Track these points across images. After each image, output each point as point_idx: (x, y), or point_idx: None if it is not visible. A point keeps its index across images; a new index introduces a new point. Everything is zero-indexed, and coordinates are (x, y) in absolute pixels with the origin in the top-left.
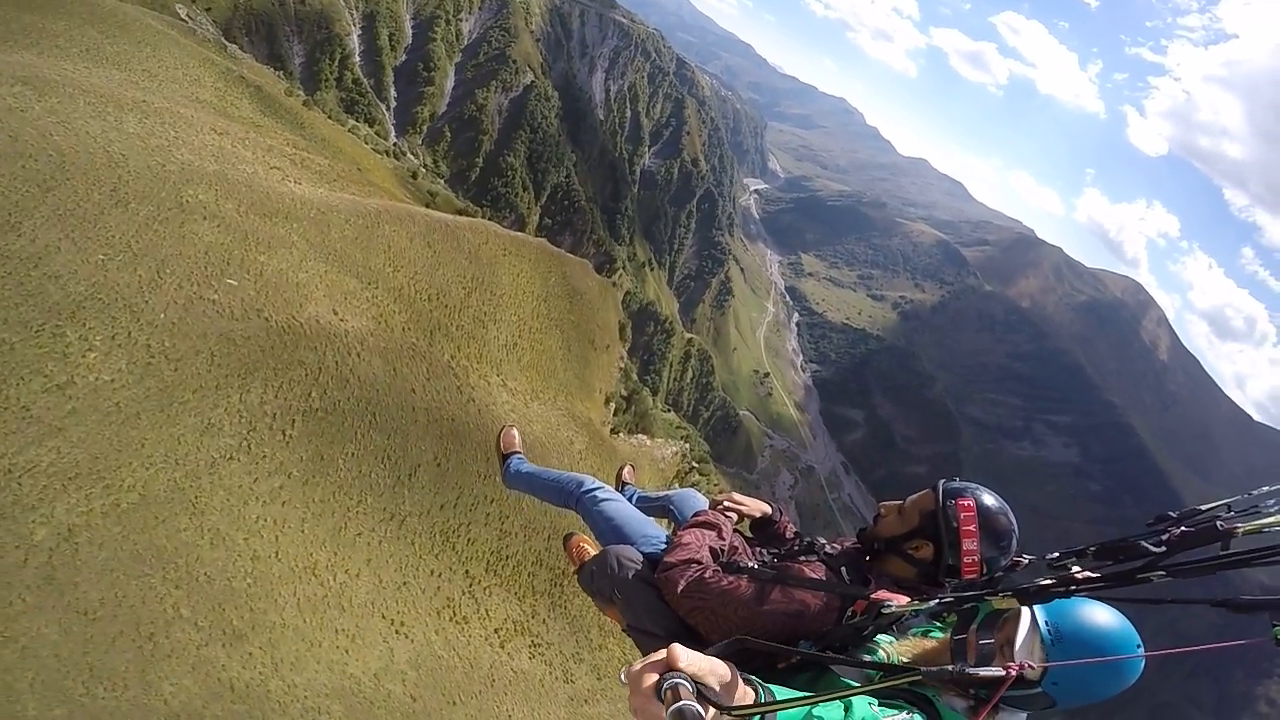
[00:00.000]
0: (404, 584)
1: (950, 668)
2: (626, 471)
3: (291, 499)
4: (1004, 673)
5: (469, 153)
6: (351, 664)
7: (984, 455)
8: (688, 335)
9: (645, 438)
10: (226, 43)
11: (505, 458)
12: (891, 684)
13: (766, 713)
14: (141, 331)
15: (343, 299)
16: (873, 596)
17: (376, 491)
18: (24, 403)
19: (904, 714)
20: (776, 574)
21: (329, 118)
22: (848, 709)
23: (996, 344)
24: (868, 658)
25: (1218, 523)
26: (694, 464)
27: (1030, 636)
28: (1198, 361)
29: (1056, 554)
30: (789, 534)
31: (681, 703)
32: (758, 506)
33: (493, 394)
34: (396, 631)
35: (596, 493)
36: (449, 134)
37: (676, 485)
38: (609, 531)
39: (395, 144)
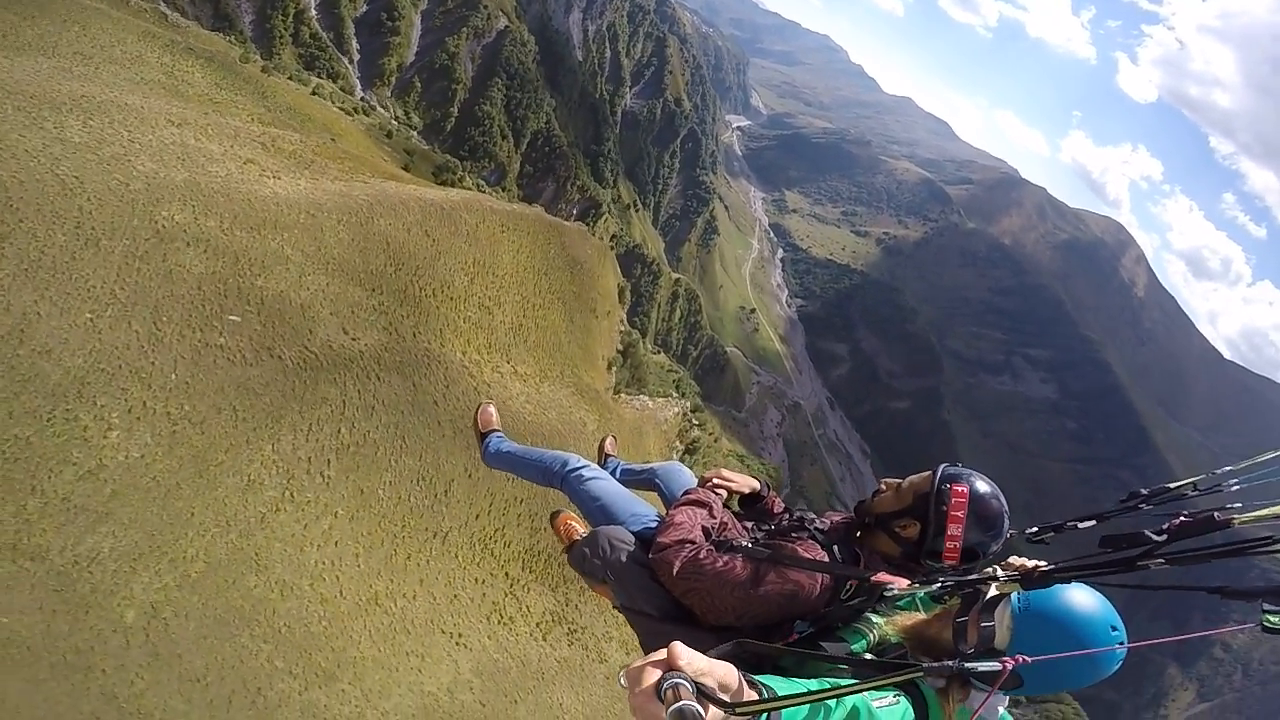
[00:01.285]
0: (455, 597)
1: (951, 663)
2: (609, 443)
3: (342, 537)
4: (1000, 666)
5: (442, 102)
6: (426, 682)
7: (965, 389)
8: (675, 275)
9: (647, 399)
10: (165, 10)
11: (483, 436)
12: (892, 680)
13: (768, 710)
14: (156, 399)
15: (350, 314)
16: (874, 579)
17: (417, 513)
18: (63, 494)
19: (891, 696)
20: (771, 554)
21: (290, 79)
22: (841, 699)
23: (979, 279)
24: (856, 639)
25: (1215, 513)
26: (694, 421)
27: (1003, 612)
28: (1173, 299)
29: (1035, 529)
30: (777, 510)
31: (681, 703)
32: (746, 483)
33: (507, 386)
34: (457, 644)
35: (582, 471)
36: (419, 85)
37: (680, 441)
38: (597, 511)
39: (363, 98)
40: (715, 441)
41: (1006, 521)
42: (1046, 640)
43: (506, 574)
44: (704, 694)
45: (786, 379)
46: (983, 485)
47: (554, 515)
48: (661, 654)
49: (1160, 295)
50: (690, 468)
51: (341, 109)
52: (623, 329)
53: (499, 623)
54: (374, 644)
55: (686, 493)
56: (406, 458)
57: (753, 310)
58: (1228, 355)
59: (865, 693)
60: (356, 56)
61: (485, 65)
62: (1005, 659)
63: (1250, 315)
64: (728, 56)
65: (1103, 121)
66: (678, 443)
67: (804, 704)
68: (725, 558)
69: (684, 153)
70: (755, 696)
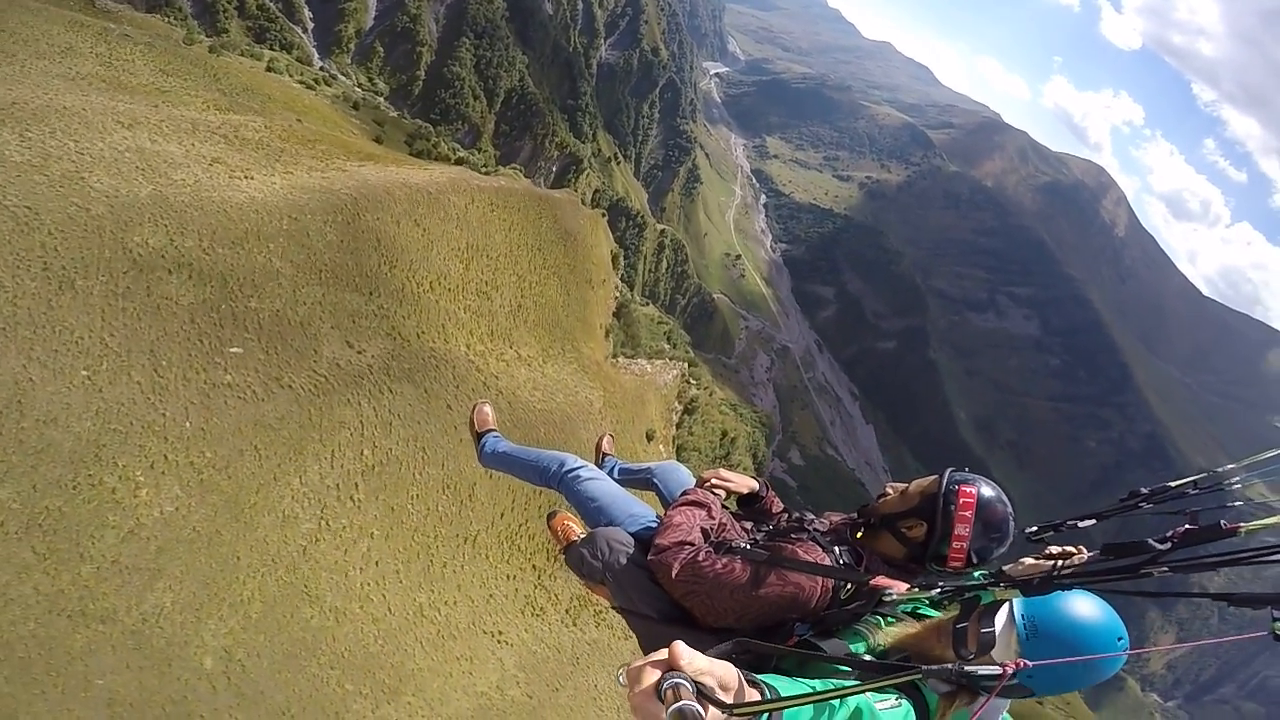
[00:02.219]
0: (490, 596)
1: (950, 666)
2: (606, 442)
3: (381, 556)
4: (1001, 670)
5: (408, 66)
6: (478, 683)
7: (950, 327)
8: (660, 226)
9: (646, 364)
10: None
11: (480, 436)
12: (893, 681)
13: (769, 711)
14: (176, 451)
15: (352, 323)
16: (873, 583)
17: (447, 520)
18: (110, 557)
19: (894, 699)
20: (770, 555)
21: (243, 55)
22: (843, 699)
23: (961, 220)
24: (856, 642)
25: (1222, 521)
26: (691, 381)
27: (1007, 629)
28: (1153, 239)
29: (1034, 528)
30: (776, 510)
31: (681, 703)
32: (745, 483)
33: (514, 375)
34: (499, 641)
35: (580, 471)
36: (381, 50)
37: (679, 402)
38: (594, 512)
39: (322, 68)
40: (710, 396)
41: (1011, 527)
42: (1056, 655)
43: (534, 566)
44: (704, 694)
45: (774, 323)
46: (988, 490)
47: (551, 515)
48: (662, 653)
49: (1140, 235)
50: (680, 427)
51: (301, 82)
52: (618, 295)
53: (533, 614)
54: (426, 654)
55: (685, 493)
56: (429, 468)
57: (738, 256)
58: (1206, 293)
59: (868, 695)
60: (310, 25)
61: (451, 25)
62: (1006, 663)
63: (1229, 255)
64: (703, 2)
65: (1085, 67)
66: (677, 404)
67: (805, 704)
68: (724, 559)
69: (663, 102)
70: (756, 696)
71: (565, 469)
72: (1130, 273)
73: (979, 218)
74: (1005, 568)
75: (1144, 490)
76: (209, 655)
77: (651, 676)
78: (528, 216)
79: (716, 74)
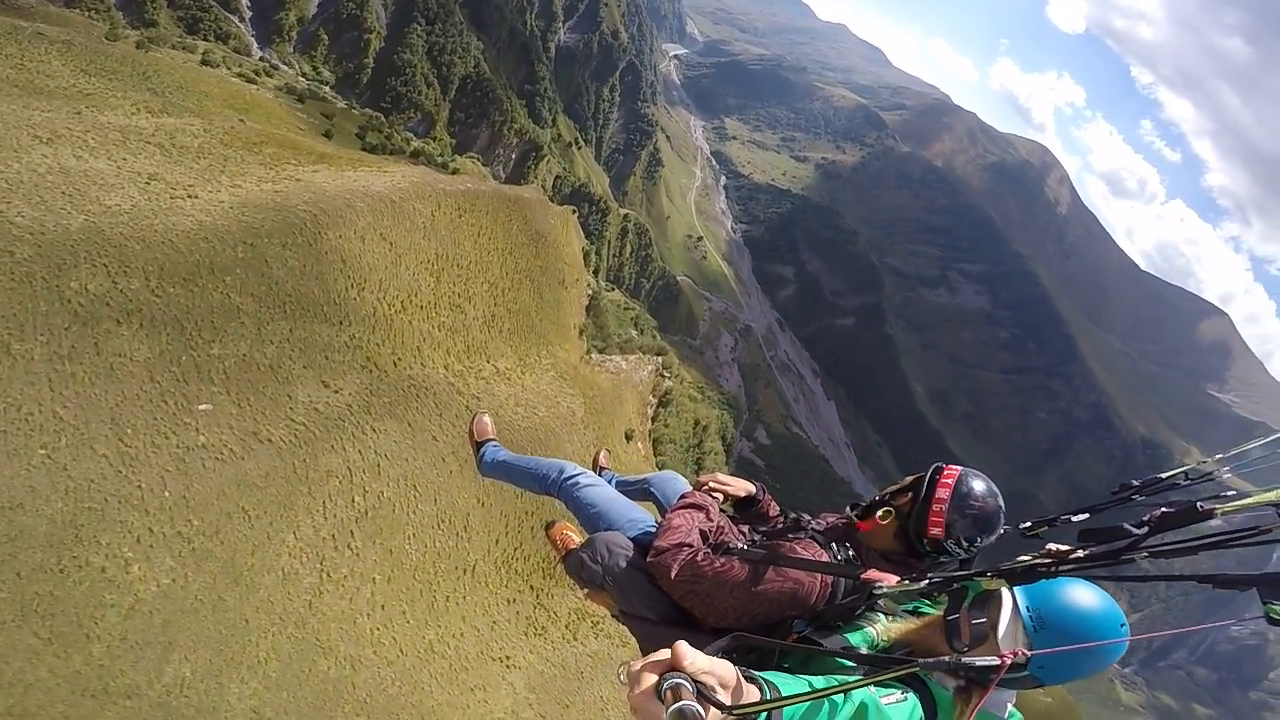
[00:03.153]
0: (494, 623)
1: (947, 658)
2: (603, 456)
3: (386, 599)
4: (999, 661)
5: (355, 54)
6: (494, 710)
7: (905, 303)
8: (623, 211)
9: (620, 360)
10: None
11: (479, 446)
12: (892, 675)
13: (768, 710)
14: (160, 523)
15: (325, 360)
16: (864, 576)
17: (445, 555)
18: (118, 634)
19: (899, 693)
20: (768, 554)
21: (175, 49)
22: (847, 695)
23: (914, 200)
24: (857, 639)
25: (1198, 503)
26: (665, 374)
27: (1013, 623)
28: (1094, 216)
29: (1029, 523)
30: (773, 512)
31: (682, 703)
32: (742, 486)
33: (493, 391)
34: (508, 666)
35: (579, 478)
36: (326, 38)
37: (654, 396)
38: (593, 518)
39: (263, 58)
40: (681, 384)
41: (999, 514)
42: (1066, 648)
43: (531, 587)
44: (704, 694)
45: (737, 303)
46: (976, 478)
47: (549, 525)
48: (663, 654)
49: (1082, 212)
50: (656, 420)
51: (240, 75)
52: (589, 291)
53: (535, 635)
54: (442, 689)
55: (683, 496)
56: (422, 505)
57: (700, 238)
58: (1144, 267)
59: (873, 690)
60: (248, 14)
61: (400, 11)
62: (1004, 653)
63: (1163, 230)
64: None
65: (1030, 50)
66: (652, 397)
67: (805, 701)
68: (723, 559)
69: (624, 86)
70: (755, 693)
71: (564, 476)
72: (1073, 249)
73: (930, 197)
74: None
75: (1135, 483)
76: (239, 719)
77: (652, 677)
78: (497, 219)
79: (675, 56)
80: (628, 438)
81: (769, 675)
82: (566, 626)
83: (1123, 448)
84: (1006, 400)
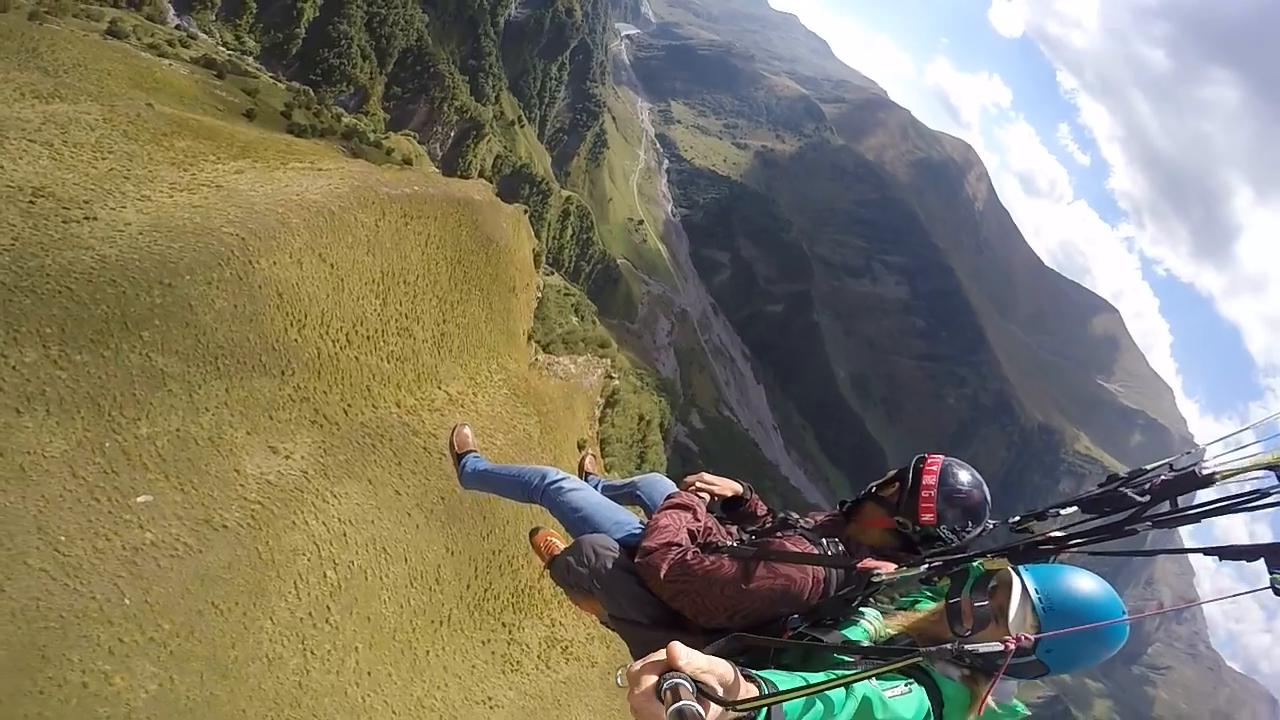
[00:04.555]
0: (473, 667)
1: (950, 645)
2: (589, 462)
3: (370, 665)
4: (1003, 646)
5: (286, 24)
6: None
7: (831, 292)
8: (565, 193)
9: (569, 364)
10: None
11: (460, 458)
12: (894, 667)
13: (769, 705)
14: (128, 632)
15: (269, 422)
16: (860, 565)
17: (420, 611)
18: None
19: (903, 685)
20: (758, 551)
21: (78, 17)
22: (849, 687)
23: (845, 192)
24: (855, 634)
25: (1196, 469)
26: (613, 375)
27: (1023, 606)
28: (1008, 213)
29: (1018, 517)
30: (761, 511)
31: (681, 703)
32: (729, 486)
33: (448, 422)
34: (491, 707)
35: (562, 483)
36: (254, 4)
37: (601, 398)
38: (579, 522)
39: (179, 27)
40: (625, 379)
41: (985, 496)
42: (1074, 638)
43: (503, 624)
44: (704, 692)
45: (674, 287)
46: (961, 468)
47: (533, 532)
48: (661, 655)
49: (997, 209)
50: (604, 421)
51: (151, 47)
52: (539, 294)
53: (511, 670)
54: None
55: (669, 497)
56: (393, 566)
57: (640, 222)
58: (1048, 263)
59: (875, 684)
60: None
61: None
62: (1007, 638)
63: (1067, 229)
64: None
65: (967, 50)
66: (599, 398)
67: (805, 696)
68: (712, 558)
69: (574, 65)
70: (754, 691)
71: (548, 481)
72: (986, 243)
73: (860, 190)
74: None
75: (1122, 475)
76: None
77: (651, 677)
78: (446, 225)
79: (627, 35)
80: (580, 448)
81: (767, 674)
82: (539, 656)
83: (1021, 433)
84: (920, 386)
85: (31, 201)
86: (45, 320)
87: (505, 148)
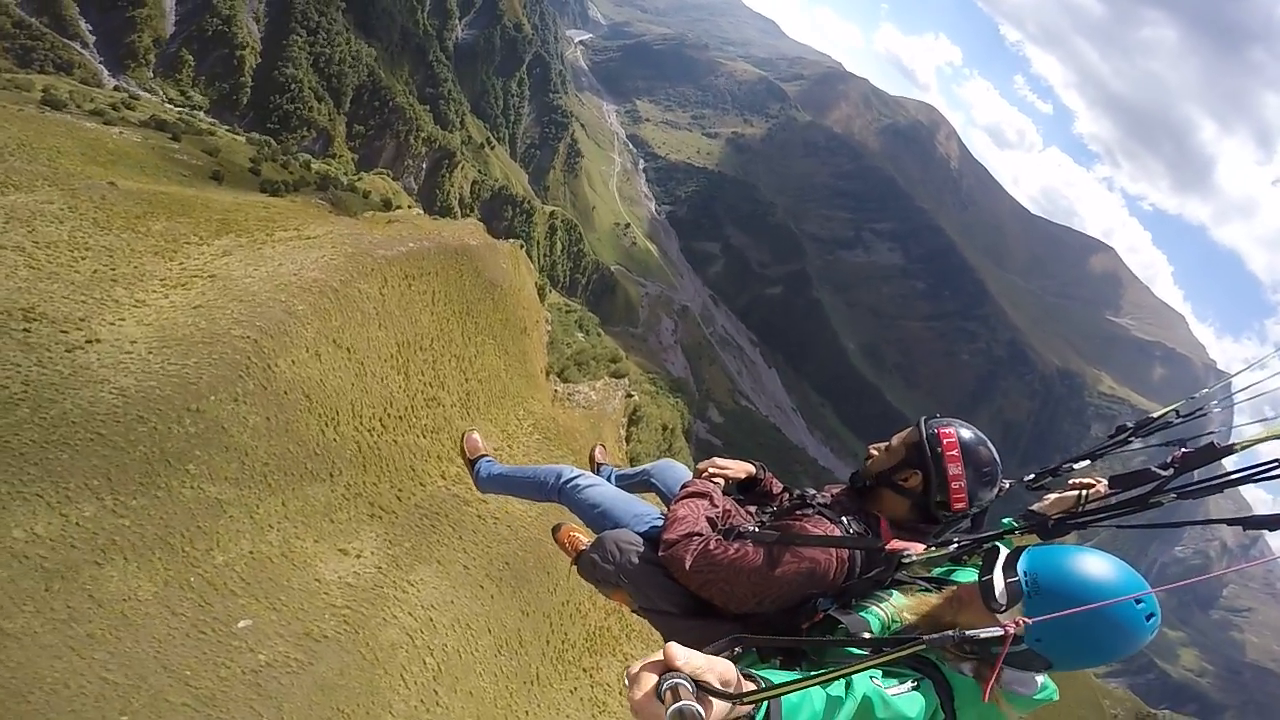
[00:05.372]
0: (567, 717)
1: (951, 633)
2: (599, 451)
3: None
4: (1003, 631)
5: (229, 74)
6: None
7: (826, 266)
8: (549, 208)
9: (589, 391)
10: None
11: (473, 463)
12: (895, 656)
13: (771, 698)
14: None
15: (331, 526)
16: (889, 547)
17: (512, 675)
18: None
19: (908, 683)
20: (780, 535)
21: (5, 88)
22: (849, 686)
23: (821, 167)
24: (874, 620)
25: (1213, 440)
26: (631, 393)
27: (1009, 588)
28: (984, 167)
29: (1032, 475)
30: (776, 490)
31: (681, 703)
32: (742, 468)
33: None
34: None
35: (578, 480)
36: (191, 58)
37: (625, 417)
38: (598, 518)
39: (118, 87)
40: (641, 391)
41: (998, 466)
42: (1070, 624)
43: (584, 669)
44: (705, 690)
45: (670, 285)
46: (967, 431)
47: (555, 529)
48: (658, 655)
49: (972, 165)
50: (631, 440)
51: (95, 114)
52: (549, 329)
53: (599, 712)
54: None
55: (684, 486)
56: (480, 639)
57: (627, 225)
58: (1033, 210)
59: (878, 682)
60: (91, 38)
61: (276, 22)
62: (1008, 623)
63: (1045, 176)
64: None
65: (909, 13)
66: (624, 419)
67: (803, 688)
68: (736, 545)
69: (532, 79)
70: (754, 689)
71: (563, 480)
72: (969, 199)
73: (836, 163)
74: (1031, 507)
75: (1129, 425)
76: None
77: (651, 678)
78: (449, 279)
79: (581, 41)
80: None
81: (766, 673)
82: (620, 693)
83: (1042, 380)
84: (931, 346)
85: (26, 329)
86: (89, 472)
87: (480, 172)
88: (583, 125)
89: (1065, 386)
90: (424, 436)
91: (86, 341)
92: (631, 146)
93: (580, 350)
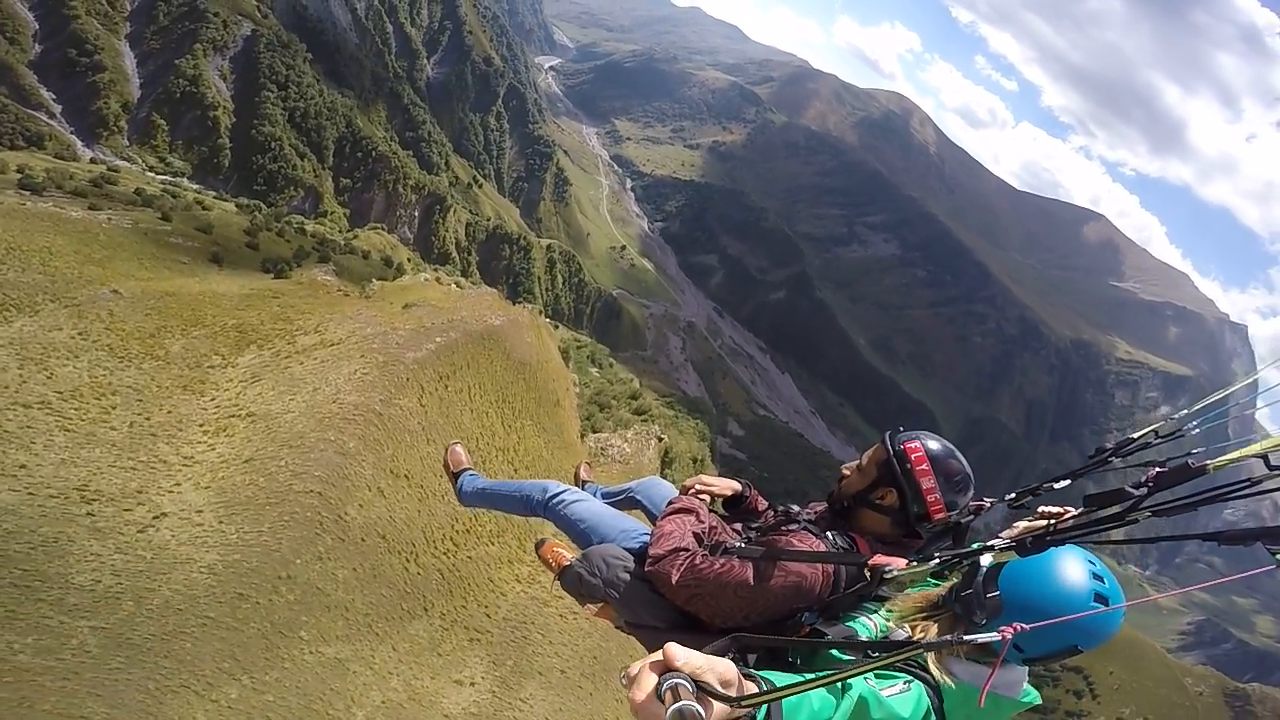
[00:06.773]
0: None
1: (949, 638)
2: (583, 470)
3: None
4: (999, 636)
5: (206, 136)
6: None
7: (825, 265)
8: (545, 242)
9: (622, 444)
10: None
11: (456, 476)
12: (891, 660)
13: (770, 701)
14: None
15: (439, 659)
16: (872, 562)
17: None
18: None
19: (901, 683)
20: (766, 550)
21: None
22: (846, 687)
23: (805, 166)
24: (864, 629)
25: (1189, 461)
26: (662, 436)
27: (989, 602)
28: (962, 149)
29: (1014, 494)
30: (761, 507)
31: (681, 703)
32: (727, 485)
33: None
34: None
35: (564, 495)
36: (163, 122)
37: (659, 460)
38: (584, 534)
39: (94, 160)
40: (659, 413)
41: (968, 471)
42: (1022, 619)
43: None
44: (704, 691)
45: (673, 302)
46: (933, 442)
47: (539, 544)
48: (658, 655)
49: (951, 148)
50: (670, 479)
51: (76, 194)
52: (578, 393)
53: None
54: None
55: (671, 502)
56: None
57: (623, 247)
58: (1018, 186)
59: (872, 682)
60: (56, 108)
61: (244, 79)
62: (1004, 628)
63: (1023, 151)
64: None
65: (863, 4)
66: (658, 462)
67: (804, 691)
68: (722, 560)
69: (510, 111)
70: (754, 689)
71: (549, 495)
72: (954, 182)
73: (818, 161)
74: (1001, 532)
75: (1109, 446)
76: None
77: (651, 678)
78: (480, 369)
79: (551, 67)
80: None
81: (765, 673)
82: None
83: (1058, 353)
84: (941, 332)
85: (90, 513)
86: (217, 656)
87: (472, 212)
88: (566, 152)
89: (1082, 357)
90: (492, 544)
91: (154, 518)
92: (616, 167)
93: (599, 390)
